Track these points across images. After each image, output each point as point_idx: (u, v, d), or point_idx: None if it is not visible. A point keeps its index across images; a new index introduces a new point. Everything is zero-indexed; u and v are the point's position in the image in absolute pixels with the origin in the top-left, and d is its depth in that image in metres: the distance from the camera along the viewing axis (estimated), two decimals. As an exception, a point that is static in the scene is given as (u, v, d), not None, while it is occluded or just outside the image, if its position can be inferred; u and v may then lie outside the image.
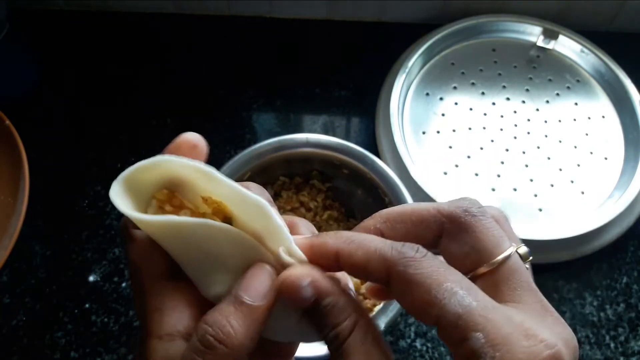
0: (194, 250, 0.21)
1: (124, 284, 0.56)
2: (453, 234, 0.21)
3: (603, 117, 0.65)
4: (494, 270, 0.20)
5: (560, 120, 0.64)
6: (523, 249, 0.21)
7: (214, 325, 0.19)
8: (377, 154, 0.61)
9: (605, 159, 0.62)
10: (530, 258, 0.21)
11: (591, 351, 0.55)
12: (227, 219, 0.22)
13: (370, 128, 0.65)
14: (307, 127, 0.66)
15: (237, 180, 0.53)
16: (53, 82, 0.68)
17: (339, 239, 0.21)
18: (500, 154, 0.62)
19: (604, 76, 0.67)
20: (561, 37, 0.68)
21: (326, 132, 0.65)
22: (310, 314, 0.21)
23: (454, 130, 0.63)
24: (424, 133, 0.63)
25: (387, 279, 0.19)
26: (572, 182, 0.61)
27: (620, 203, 0.57)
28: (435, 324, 0.19)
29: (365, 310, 0.21)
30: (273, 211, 0.21)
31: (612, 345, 0.55)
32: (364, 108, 0.67)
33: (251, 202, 0.20)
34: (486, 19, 0.68)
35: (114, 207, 0.59)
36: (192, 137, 0.24)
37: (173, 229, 0.20)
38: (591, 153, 0.63)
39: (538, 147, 0.63)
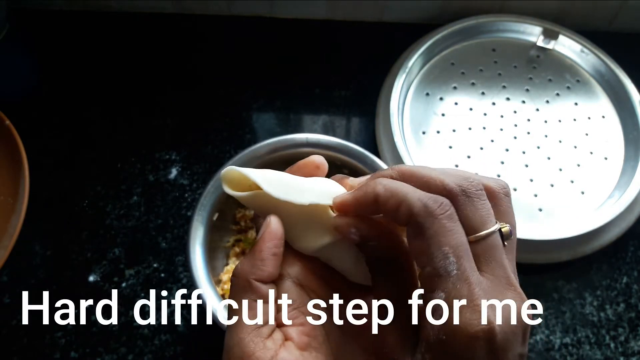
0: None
1: (124, 284, 0.56)
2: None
3: (603, 117, 0.65)
4: (476, 243, 0.24)
5: (560, 120, 0.65)
6: (506, 229, 0.25)
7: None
8: (377, 154, 0.61)
9: (605, 159, 0.62)
10: (512, 237, 0.25)
11: (591, 351, 0.55)
12: None
13: (370, 128, 0.65)
14: (307, 127, 0.66)
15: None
16: (53, 82, 0.68)
17: (377, 186, 0.25)
18: (500, 154, 0.62)
19: (604, 76, 0.67)
20: (561, 37, 0.68)
21: (326, 132, 0.65)
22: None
23: (454, 130, 0.63)
24: (424, 133, 0.63)
25: (408, 222, 0.24)
26: (572, 182, 0.61)
27: (620, 203, 0.57)
28: (421, 269, 0.24)
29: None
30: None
31: (612, 345, 0.55)
32: (364, 108, 0.67)
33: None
34: (486, 19, 0.68)
35: (114, 207, 0.59)
36: (317, 159, 0.29)
37: (256, 200, 0.26)
38: (591, 153, 0.63)
39: (538, 147, 0.63)
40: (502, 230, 0.25)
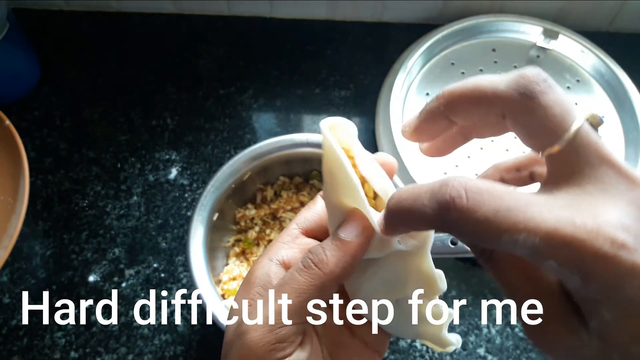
0: (335, 192, 0.25)
1: (123, 284, 0.56)
2: (515, 117, 0.20)
3: (603, 117, 0.65)
4: (563, 150, 0.19)
5: (560, 120, 0.64)
6: (594, 116, 0.19)
7: (314, 252, 0.23)
8: (377, 154, 0.60)
9: (605, 159, 0.62)
10: (603, 122, 0.20)
11: (591, 351, 0.55)
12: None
13: (370, 128, 0.65)
14: (307, 127, 0.66)
15: (237, 180, 0.53)
16: (53, 82, 0.68)
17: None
18: (501, 154, 0.62)
19: (604, 76, 0.67)
20: (561, 37, 0.68)
21: (326, 132, 0.65)
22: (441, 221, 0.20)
23: (454, 130, 0.63)
24: (424, 133, 0.63)
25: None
26: (572, 182, 0.61)
27: (620, 203, 0.57)
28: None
29: None
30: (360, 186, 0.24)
31: (612, 345, 0.55)
32: (364, 108, 0.67)
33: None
34: (486, 19, 0.68)
35: (114, 207, 0.59)
36: (386, 159, 0.27)
37: (332, 157, 0.24)
38: (591, 153, 0.63)
39: (538, 147, 0.63)
40: (590, 119, 0.19)
